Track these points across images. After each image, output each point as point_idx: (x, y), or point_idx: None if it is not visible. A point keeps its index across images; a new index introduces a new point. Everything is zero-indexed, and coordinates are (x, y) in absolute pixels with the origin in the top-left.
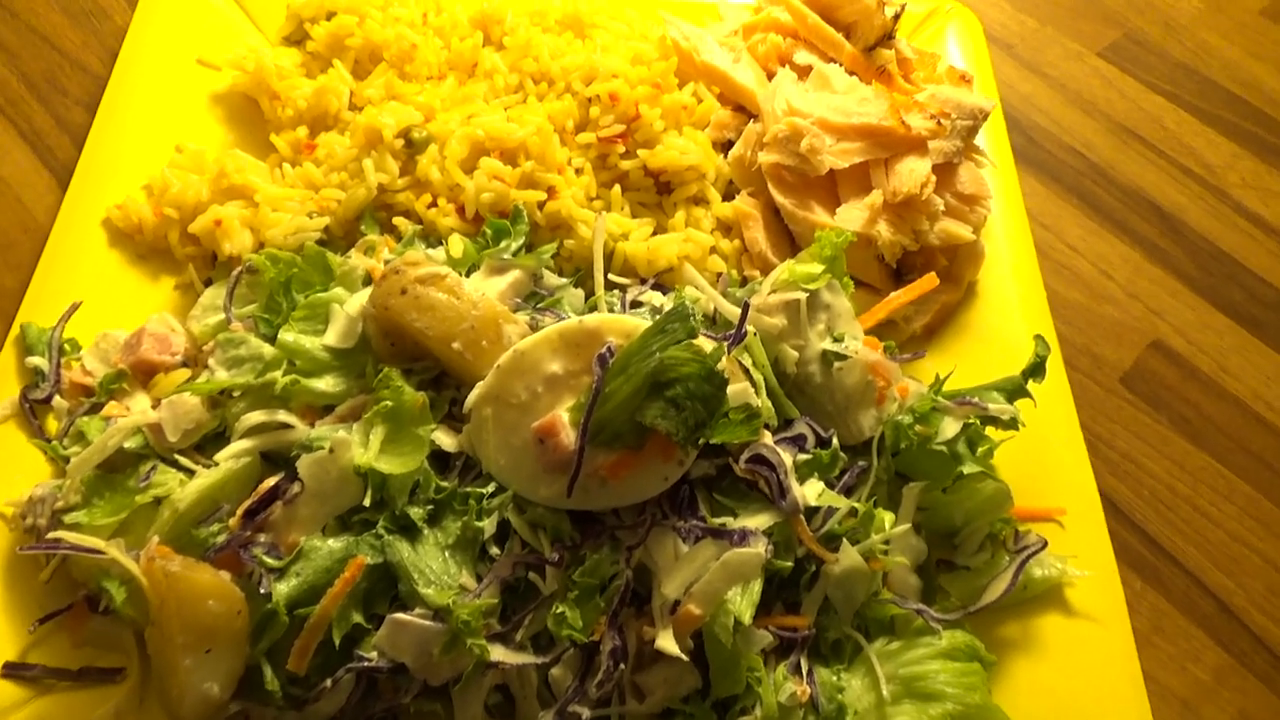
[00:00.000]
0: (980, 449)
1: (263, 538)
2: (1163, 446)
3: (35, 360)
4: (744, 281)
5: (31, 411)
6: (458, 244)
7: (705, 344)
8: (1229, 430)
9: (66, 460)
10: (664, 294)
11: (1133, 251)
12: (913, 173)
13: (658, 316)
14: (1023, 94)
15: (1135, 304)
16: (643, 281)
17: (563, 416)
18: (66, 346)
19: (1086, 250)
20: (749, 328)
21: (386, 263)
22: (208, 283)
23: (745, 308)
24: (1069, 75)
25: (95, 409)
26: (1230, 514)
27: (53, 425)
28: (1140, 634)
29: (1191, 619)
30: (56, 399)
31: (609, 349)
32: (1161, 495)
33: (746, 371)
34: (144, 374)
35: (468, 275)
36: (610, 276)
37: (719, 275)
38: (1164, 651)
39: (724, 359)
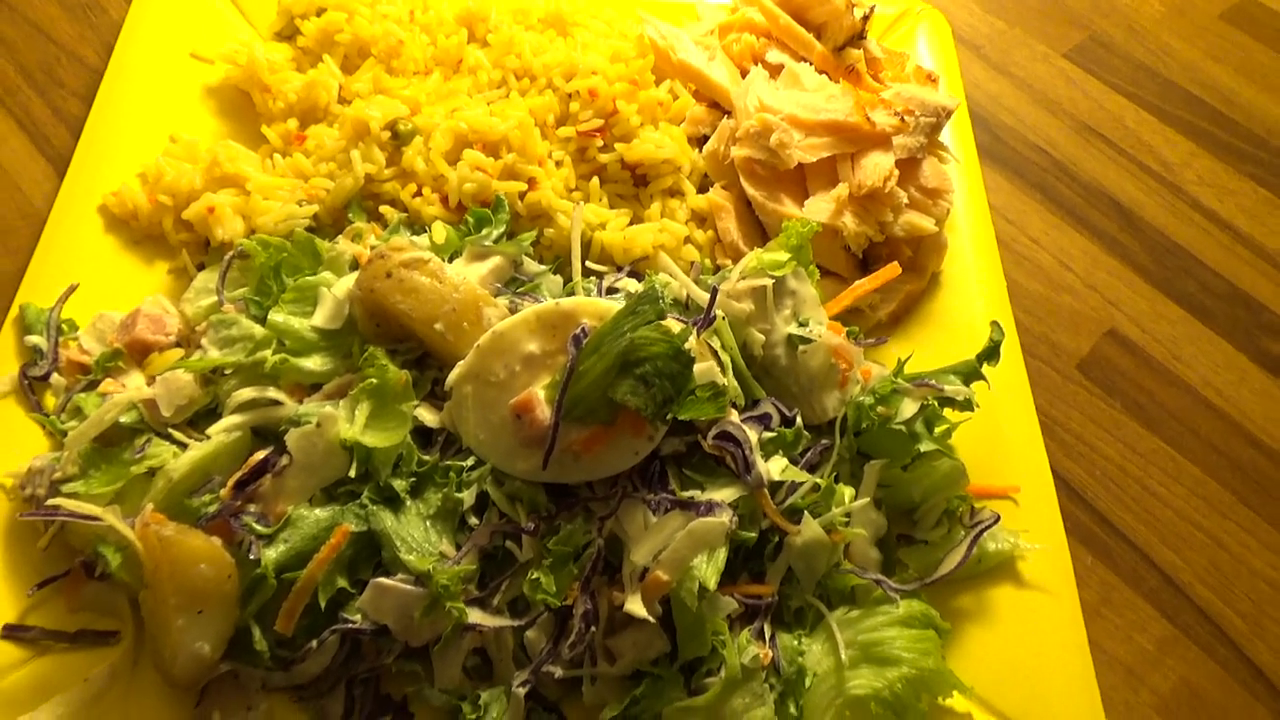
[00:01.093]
0: (938, 429)
1: (253, 507)
2: (1116, 430)
3: (34, 339)
4: (717, 270)
5: (30, 388)
6: (441, 231)
7: (674, 325)
8: (1179, 415)
9: (64, 434)
10: (639, 281)
11: (1091, 244)
12: (877, 167)
13: None
14: (990, 93)
15: (1093, 294)
16: (619, 269)
17: (539, 394)
18: (64, 326)
19: (1048, 243)
20: (718, 312)
21: (373, 248)
22: (200, 267)
23: (714, 293)
24: (1035, 75)
25: (92, 386)
26: (1178, 494)
27: (51, 401)
28: (1089, 605)
29: (1138, 592)
30: (55, 376)
31: (583, 330)
32: (1113, 475)
33: (715, 353)
34: (139, 353)
35: (450, 261)
36: (588, 264)
37: (692, 263)
38: (1111, 622)
39: (692, 340)
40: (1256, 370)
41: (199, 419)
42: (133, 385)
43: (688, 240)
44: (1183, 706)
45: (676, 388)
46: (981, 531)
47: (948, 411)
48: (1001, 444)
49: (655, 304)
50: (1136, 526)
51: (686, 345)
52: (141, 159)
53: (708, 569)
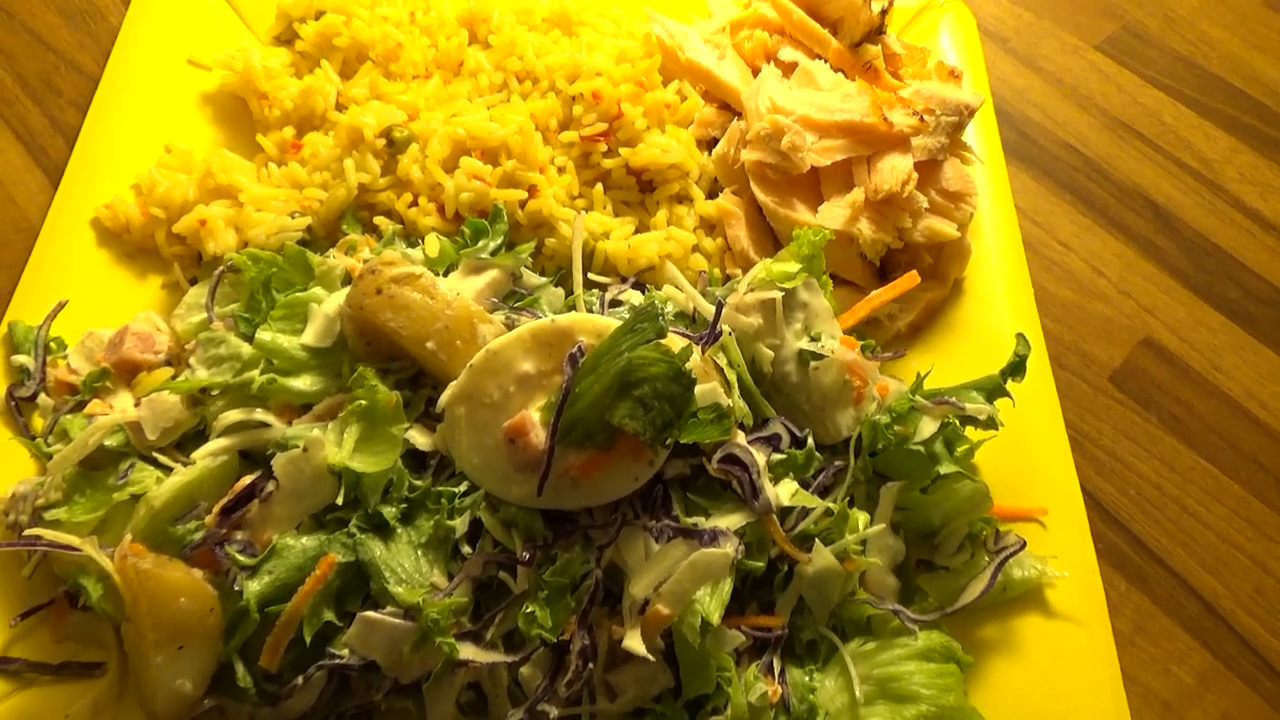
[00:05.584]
0: (959, 449)
1: (239, 535)
2: (1152, 446)
3: (21, 358)
4: (727, 280)
5: (17, 409)
6: (434, 243)
7: (675, 343)
8: (1220, 430)
9: (50, 458)
10: (644, 293)
11: (1126, 248)
12: (894, 170)
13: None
14: (1017, 89)
15: (1127, 301)
16: (623, 280)
17: (533, 416)
18: (53, 345)
19: (1079, 247)
20: (724, 327)
21: (364, 262)
22: (193, 281)
23: (719, 307)
24: (1065, 69)
25: (79, 407)
26: (1219, 514)
27: (39, 423)
28: (1123, 635)
29: (1176, 620)
30: (42, 397)
31: (579, 348)
32: (1149, 495)
33: (721, 371)
34: (127, 372)
35: (445, 275)
36: (591, 276)
37: (700, 274)
38: (1147, 653)
39: (695, 358)
40: None
41: (187, 441)
42: (120, 406)
43: (696, 249)
44: None
45: (676, 410)
46: (1007, 557)
47: (970, 430)
48: (1028, 462)
49: (655, 321)
50: (1174, 550)
51: (687, 365)
52: (136, 169)
53: (711, 602)
